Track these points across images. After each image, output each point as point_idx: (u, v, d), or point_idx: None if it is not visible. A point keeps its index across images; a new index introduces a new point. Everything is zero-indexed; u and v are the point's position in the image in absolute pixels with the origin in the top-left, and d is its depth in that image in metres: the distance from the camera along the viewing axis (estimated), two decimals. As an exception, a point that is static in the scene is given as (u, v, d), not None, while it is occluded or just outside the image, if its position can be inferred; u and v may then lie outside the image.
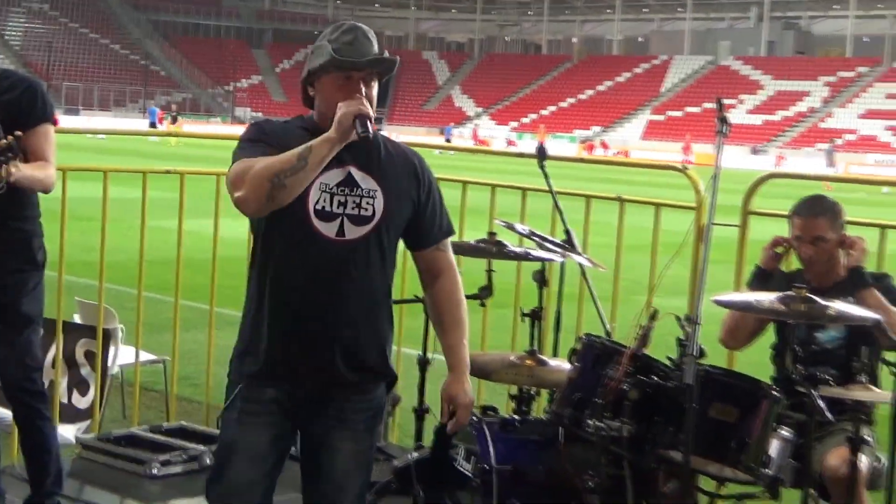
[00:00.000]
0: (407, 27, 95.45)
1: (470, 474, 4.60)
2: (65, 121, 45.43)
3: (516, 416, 4.86)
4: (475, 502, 4.49)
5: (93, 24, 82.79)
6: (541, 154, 5.64)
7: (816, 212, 4.73)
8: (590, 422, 4.26)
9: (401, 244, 3.54)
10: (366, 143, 3.27)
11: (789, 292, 4.12)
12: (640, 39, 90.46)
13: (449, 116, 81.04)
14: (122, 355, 6.66)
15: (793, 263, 4.96)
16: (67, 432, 6.44)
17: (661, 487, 4.53)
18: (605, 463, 4.37)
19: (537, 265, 5.01)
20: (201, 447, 6.12)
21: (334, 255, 3.31)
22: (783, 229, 4.85)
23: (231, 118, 74.56)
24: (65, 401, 6.60)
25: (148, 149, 37.34)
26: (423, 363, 5.24)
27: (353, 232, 3.32)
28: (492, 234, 5.02)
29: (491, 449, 4.48)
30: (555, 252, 4.97)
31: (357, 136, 3.21)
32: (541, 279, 5.01)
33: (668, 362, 4.27)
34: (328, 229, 3.30)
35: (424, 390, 5.38)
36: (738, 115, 67.29)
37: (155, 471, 5.90)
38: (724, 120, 4.22)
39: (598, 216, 6.03)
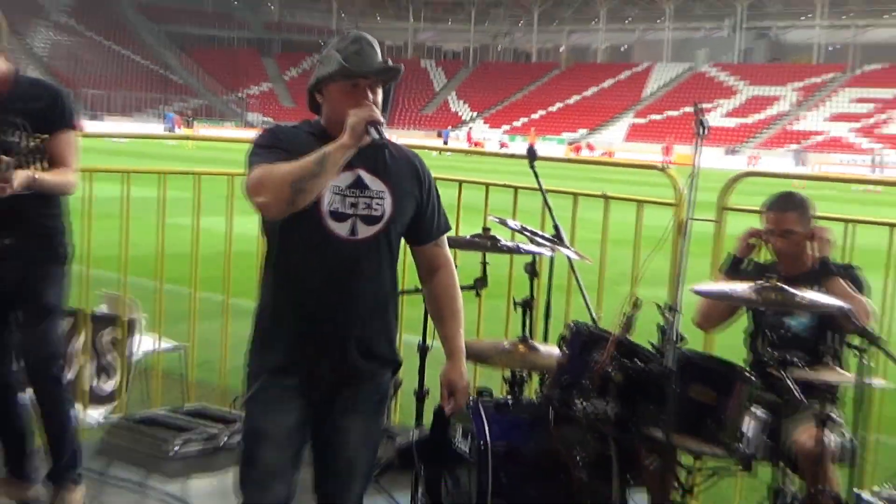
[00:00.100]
0: (406, 37, 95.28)
1: (467, 452, 4.61)
2: (89, 126, 45.36)
3: (509, 398, 4.87)
4: (472, 478, 4.50)
5: (114, 36, 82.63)
6: (531, 155, 5.65)
7: (787, 207, 4.75)
8: (578, 403, 4.28)
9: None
10: (383, 148, 3.30)
11: (762, 282, 4.14)
12: (623, 48, 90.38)
13: (446, 120, 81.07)
14: (144, 343, 6.67)
15: (766, 255, 4.97)
16: (94, 414, 6.46)
17: (643, 463, 4.54)
18: (592, 441, 4.39)
19: (528, 258, 5.02)
20: (218, 427, 6.14)
21: (348, 254, 3.32)
22: (756, 224, 4.86)
23: (243, 123, 74.44)
24: (92, 385, 6.62)
25: (166, 151, 37.25)
26: (423, 350, 5.25)
27: (364, 231, 3.33)
28: (486, 229, 5.03)
29: (486, 428, 4.50)
30: (544, 246, 4.98)
31: (374, 142, 3.22)
32: (532, 271, 5.02)
33: (650, 347, 4.29)
34: (341, 229, 3.30)
35: (424, 375, 5.40)
36: (715, 118, 67.28)
37: (175, 449, 5.91)
38: (701, 123, 4.23)
39: (585, 213, 6.04)
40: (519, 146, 58.04)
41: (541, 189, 5.46)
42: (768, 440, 4.19)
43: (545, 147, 59.75)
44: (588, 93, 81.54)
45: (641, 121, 75.43)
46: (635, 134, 73.19)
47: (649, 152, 59.41)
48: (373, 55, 3.32)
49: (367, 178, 3.33)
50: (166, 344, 6.86)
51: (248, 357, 3.48)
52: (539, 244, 4.99)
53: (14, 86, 4.73)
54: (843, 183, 36.50)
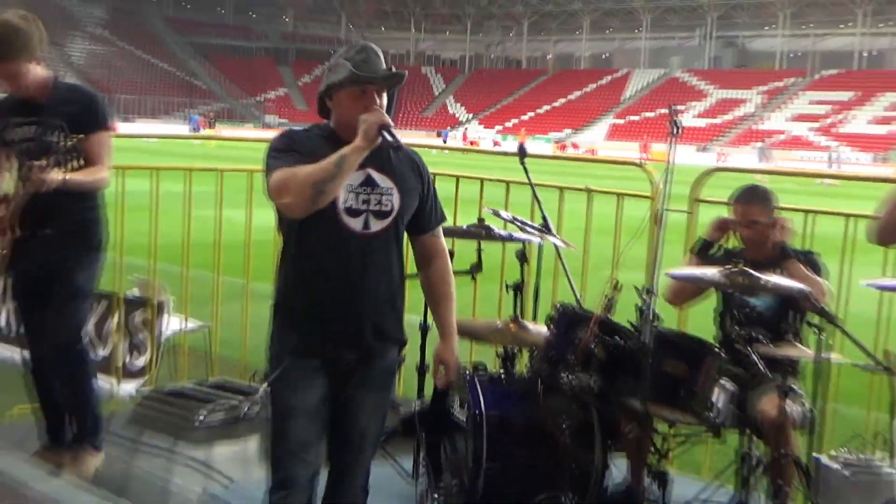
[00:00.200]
0: (408, 46, 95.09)
1: (463, 421, 4.61)
2: (121, 127, 45.32)
3: (502, 372, 4.87)
4: (468, 444, 4.50)
5: (144, 46, 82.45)
6: (521, 153, 5.64)
7: (752, 200, 4.74)
8: (564, 376, 4.28)
9: None
10: (393, 149, 3.29)
11: (730, 267, 4.14)
12: (604, 56, 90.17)
13: (444, 121, 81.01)
14: (172, 323, 6.68)
15: (734, 242, 4.97)
16: (127, 387, 6.47)
17: (623, 430, 4.55)
18: (576, 410, 4.39)
19: (519, 246, 5.01)
20: (239, 399, 6.14)
21: (362, 247, 3.32)
22: (725, 214, 4.86)
23: (261, 124, 74.33)
24: (125, 361, 6.63)
25: (191, 150, 37.20)
26: (424, 329, 5.24)
27: (376, 225, 3.34)
28: (481, 220, 5.02)
29: (481, 399, 4.50)
30: (534, 235, 4.98)
31: (389, 145, 3.24)
32: (522, 257, 5.01)
33: (629, 326, 4.29)
34: (356, 224, 3.30)
35: (425, 351, 5.39)
36: (687, 119, 67.12)
37: (201, 419, 5.91)
38: (675, 123, 4.23)
39: (570, 205, 6.03)
40: (510, 145, 57.95)
41: (530, 183, 5.45)
42: (736, 409, 4.20)
43: (534, 145, 59.66)
44: (572, 96, 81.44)
45: (620, 121, 75.36)
46: (615, 133, 73.13)
47: (628, 150, 59.30)
48: (378, 63, 3.31)
49: (376, 176, 3.33)
50: (192, 324, 6.86)
51: (270, 342, 3.47)
52: (529, 233, 4.98)
53: (53, 91, 4.74)
54: (803, 177, 36.45)
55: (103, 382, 6.49)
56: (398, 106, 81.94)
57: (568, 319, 4.46)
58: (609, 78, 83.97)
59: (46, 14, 70.92)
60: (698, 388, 4.10)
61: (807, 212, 5.43)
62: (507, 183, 6.33)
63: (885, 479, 4.26)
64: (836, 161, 57.28)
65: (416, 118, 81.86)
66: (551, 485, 4.32)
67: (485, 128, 78.89)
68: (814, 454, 4.26)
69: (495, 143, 66.88)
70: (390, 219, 3.37)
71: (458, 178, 6.55)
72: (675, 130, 4.25)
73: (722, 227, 4.85)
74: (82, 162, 4.60)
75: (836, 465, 4.40)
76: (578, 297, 5.19)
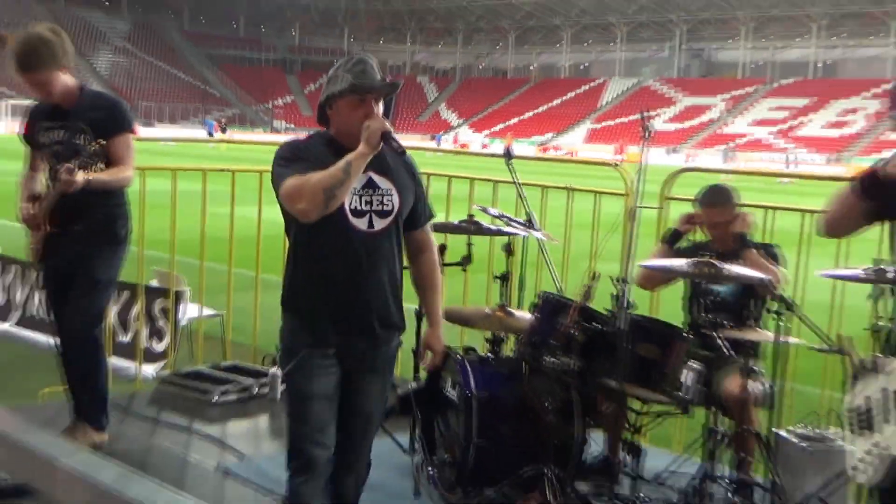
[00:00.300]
0: (404, 58, 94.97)
1: (455, 400, 4.61)
2: (142, 132, 45.12)
3: (490, 355, 4.87)
4: (460, 421, 4.50)
5: (163, 57, 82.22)
6: (507, 155, 5.63)
7: (715, 202, 4.74)
8: (547, 358, 4.28)
9: None
10: (402, 156, 3.30)
11: (698, 258, 4.14)
12: (582, 66, 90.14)
13: (437, 126, 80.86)
14: (190, 311, 6.68)
15: (701, 235, 4.97)
16: (149, 369, 6.46)
17: (601, 407, 4.55)
18: (558, 390, 4.39)
19: (505, 239, 5.01)
20: (251, 380, 6.14)
21: (368, 244, 3.30)
22: (692, 209, 4.87)
23: (270, 129, 74.23)
24: (147, 346, 6.62)
25: (206, 152, 37.16)
26: (419, 315, 5.23)
27: (379, 224, 3.32)
28: (471, 216, 5.01)
29: (471, 380, 4.50)
30: (519, 229, 4.98)
31: (395, 152, 3.24)
32: (508, 250, 5.01)
33: (606, 313, 4.29)
34: (361, 224, 3.28)
35: (420, 336, 5.39)
36: (658, 123, 67.12)
37: (216, 398, 5.91)
38: (647, 127, 4.23)
39: (552, 202, 6.03)
40: (498, 147, 57.89)
41: (516, 183, 5.44)
42: (703, 388, 4.20)
43: (519, 148, 59.59)
44: (554, 103, 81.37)
45: (598, 126, 75.32)
46: (593, 137, 73.11)
47: (605, 152, 59.35)
48: (375, 73, 3.29)
49: (376, 178, 3.31)
50: (207, 311, 6.86)
51: (283, 336, 3.45)
52: (514, 228, 4.98)
53: (80, 97, 4.73)
54: (764, 176, 36.52)
55: (126, 364, 6.51)
56: (396, 112, 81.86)
57: (550, 307, 4.46)
58: (587, 86, 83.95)
59: (74, 28, 70.94)
60: (669, 370, 4.11)
61: (767, 208, 5.44)
62: (495, 182, 6.33)
63: (837, 452, 4.27)
64: (793, 162, 57.34)
65: (412, 123, 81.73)
66: (535, 458, 4.32)
67: (474, 132, 78.86)
68: (773, 429, 4.27)
69: (484, 146, 66.88)
70: (391, 217, 3.35)
71: (450, 178, 6.55)
72: (647, 134, 4.25)
73: (690, 220, 4.86)
74: (103, 166, 4.61)
75: (793, 439, 4.42)
76: (560, 286, 5.19)
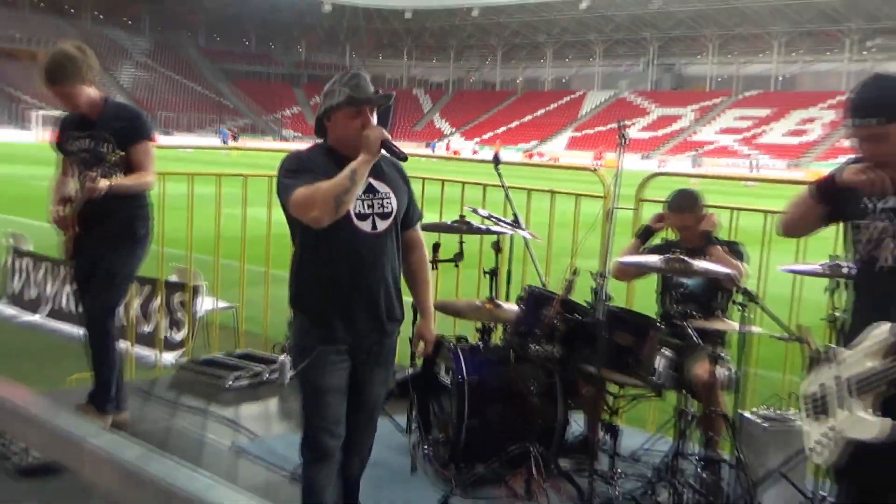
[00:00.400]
0: (401, 72, 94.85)
1: (448, 384, 4.61)
2: (161, 140, 45.08)
3: (480, 343, 4.87)
4: (452, 403, 4.50)
5: (181, 72, 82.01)
6: (496, 160, 5.64)
7: (683, 207, 4.74)
8: (532, 346, 4.28)
9: None
10: (404, 161, 3.32)
11: (669, 255, 4.14)
12: (564, 80, 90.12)
13: (432, 134, 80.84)
14: (206, 303, 6.68)
15: (671, 234, 4.98)
16: (168, 357, 6.46)
17: (581, 391, 4.56)
18: (542, 375, 4.40)
19: (494, 238, 5.01)
20: (262, 367, 6.13)
21: (372, 245, 3.28)
22: (664, 210, 4.87)
23: (279, 137, 74.12)
24: (166, 335, 6.61)
25: (220, 159, 37.07)
26: (415, 308, 5.24)
27: (381, 225, 3.30)
28: (462, 216, 5.01)
29: (463, 366, 4.50)
30: (506, 228, 4.97)
31: (398, 158, 3.26)
32: (497, 247, 5.01)
33: (586, 304, 4.30)
34: (365, 226, 3.26)
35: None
36: (633, 132, 67.09)
37: (229, 383, 5.90)
38: (623, 135, 4.23)
39: (536, 203, 6.03)
40: (487, 153, 57.94)
41: (503, 186, 5.44)
42: (674, 373, 4.21)
43: (506, 154, 59.57)
44: (538, 113, 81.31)
45: (578, 134, 75.28)
46: (574, 144, 73.09)
47: (584, 158, 59.37)
48: (369, 86, 3.28)
49: (375, 183, 3.30)
50: (222, 304, 6.87)
51: (295, 335, 3.39)
52: (502, 227, 4.98)
53: (104, 109, 4.73)
54: (729, 180, 36.58)
55: (148, 353, 6.50)
56: (393, 121, 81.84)
57: (535, 299, 4.46)
58: (568, 98, 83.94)
59: (100, 45, 70.76)
60: (643, 356, 4.11)
61: (732, 209, 5.44)
62: (484, 186, 6.32)
63: (796, 431, 4.27)
64: (756, 167, 57.46)
65: (408, 132, 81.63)
66: (521, 437, 4.32)
67: (465, 140, 78.75)
68: (738, 410, 4.27)
69: (474, 153, 66.76)
70: (391, 218, 3.34)
71: (443, 181, 6.55)
72: (623, 142, 4.26)
73: (661, 219, 4.86)
74: (123, 174, 4.62)
75: (756, 420, 4.42)
76: (543, 280, 5.19)
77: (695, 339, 4.27)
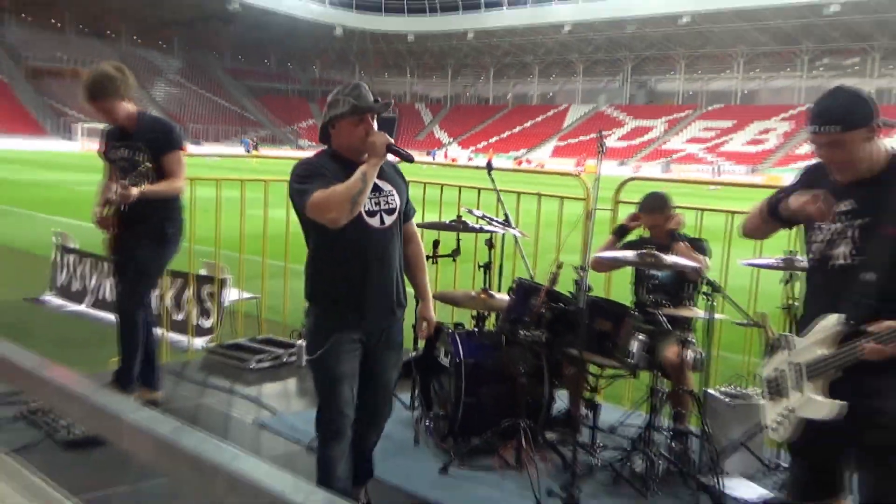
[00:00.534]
0: (405, 88, 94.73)
1: (448, 366, 4.61)
2: (191, 149, 45.12)
3: (476, 329, 4.87)
4: (451, 383, 4.51)
5: (209, 88, 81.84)
6: (489, 167, 5.63)
7: (654, 208, 4.74)
8: (521, 332, 4.28)
9: None
10: (411, 162, 3.31)
11: (642, 250, 4.14)
12: (549, 95, 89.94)
13: (432, 144, 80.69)
14: (231, 294, 6.67)
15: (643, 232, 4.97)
16: (198, 342, 6.45)
17: (565, 372, 4.57)
18: (530, 357, 4.40)
19: (487, 235, 5.01)
20: (281, 350, 6.13)
21: (381, 238, 3.25)
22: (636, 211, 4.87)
23: (296, 146, 73.99)
24: (197, 322, 6.61)
25: (243, 166, 37.04)
26: (416, 294, 5.25)
27: (388, 220, 3.27)
28: (459, 217, 5.01)
29: (460, 349, 4.50)
30: (498, 227, 4.97)
31: (404, 160, 3.25)
32: (490, 244, 5.01)
33: (569, 294, 4.29)
34: (375, 222, 3.23)
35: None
36: (611, 141, 67.06)
37: (252, 365, 5.90)
38: (602, 144, 4.22)
39: (525, 205, 6.02)
40: (481, 161, 57.79)
41: (495, 189, 5.44)
42: (647, 355, 4.21)
43: (498, 161, 59.46)
44: (526, 125, 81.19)
45: (562, 143, 75.16)
46: (558, 152, 72.99)
47: (567, 164, 59.28)
48: (370, 96, 3.25)
49: (380, 183, 3.27)
50: (246, 295, 6.85)
51: (311, 325, 3.33)
52: (494, 226, 4.97)
53: (140, 122, 4.73)
54: (695, 184, 36.55)
55: (180, 338, 6.50)
56: (398, 132, 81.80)
57: (524, 290, 4.46)
58: (553, 111, 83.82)
59: (136, 65, 70.66)
60: (620, 341, 4.11)
61: (698, 209, 5.44)
62: (479, 189, 6.32)
63: (755, 407, 4.29)
64: (719, 172, 57.47)
65: (411, 141, 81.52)
66: (512, 412, 4.33)
67: (462, 148, 78.67)
68: (704, 388, 4.28)
69: (469, 160, 66.71)
70: (396, 214, 3.32)
71: (442, 185, 6.54)
72: (601, 150, 4.25)
73: (635, 218, 4.86)
74: (153, 181, 4.63)
75: (720, 396, 4.44)
76: (531, 273, 5.19)
77: (665, 325, 4.28)
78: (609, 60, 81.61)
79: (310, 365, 3.32)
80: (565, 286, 4.31)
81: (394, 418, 4.75)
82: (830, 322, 2.67)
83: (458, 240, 5.07)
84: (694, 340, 4.45)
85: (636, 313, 4.24)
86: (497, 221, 5.07)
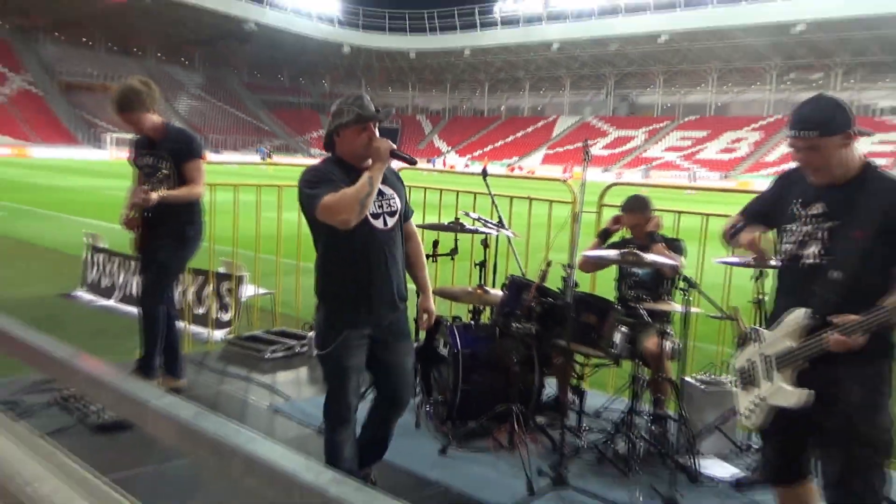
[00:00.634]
0: (407, 101, 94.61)
1: (446, 355, 4.61)
2: (211, 157, 45.04)
3: (472, 322, 4.87)
4: (450, 372, 4.50)
5: (228, 101, 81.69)
6: (484, 173, 5.63)
7: (634, 208, 4.75)
8: (514, 324, 4.28)
9: None
10: (414, 164, 3.32)
11: (624, 250, 4.14)
12: (539, 107, 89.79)
13: (432, 152, 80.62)
14: (248, 290, 6.66)
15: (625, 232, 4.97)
16: (218, 334, 6.45)
17: (554, 361, 4.56)
18: (522, 348, 4.40)
19: (483, 236, 5.01)
20: (294, 342, 6.12)
21: (385, 239, 3.23)
22: (619, 213, 4.87)
23: (308, 154, 73.87)
24: (216, 316, 6.60)
25: (259, 172, 37.00)
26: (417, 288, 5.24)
27: (390, 222, 3.26)
28: (457, 219, 5.01)
29: (458, 341, 4.50)
30: (492, 229, 4.97)
31: (408, 163, 3.26)
32: (485, 244, 5.01)
33: (557, 290, 4.29)
34: (379, 223, 3.21)
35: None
36: (595, 150, 66.91)
37: (267, 355, 5.90)
38: (588, 153, 4.22)
39: (517, 208, 6.02)
40: (477, 168, 57.90)
41: (490, 194, 5.43)
42: (629, 346, 4.21)
43: (493, 168, 59.57)
44: (518, 135, 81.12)
45: (551, 152, 75.05)
46: (547, 160, 72.86)
47: (556, 171, 59.34)
48: (372, 105, 3.23)
49: (382, 187, 3.25)
50: (261, 290, 6.84)
51: (321, 321, 3.28)
52: (489, 228, 4.97)
53: (165, 132, 4.73)
54: (673, 189, 36.52)
55: (201, 330, 6.49)
56: (401, 141, 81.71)
57: (516, 286, 4.46)
58: (543, 122, 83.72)
59: (161, 80, 70.55)
60: (604, 332, 4.11)
61: (676, 212, 5.44)
62: (475, 194, 6.31)
63: (728, 393, 4.30)
64: (694, 178, 57.47)
65: (413, 150, 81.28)
66: (505, 398, 4.33)
67: (459, 156, 78.58)
68: (681, 376, 4.28)
69: (466, 167, 66.76)
70: (397, 216, 3.30)
71: (441, 190, 6.53)
72: (587, 158, 4.24)
73: (617, 221, 4.86)
74: (168, 187, 4.63)
75: (696, 383, 4.44)
76: (523, 270, 5.19)
77: (646, 318, 4.28)
78: (594, 76, 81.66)
79: (320, 358, 3.30)
80: (554, 283, 4.31)
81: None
82: (798, 316, 2.67)
83: (456, 240, 5.07)
84: (672, 332, 4.45)
85: (619, 307, 4.24)
86: (491, 223, 5.06)
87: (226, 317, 6.61)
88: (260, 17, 71.01)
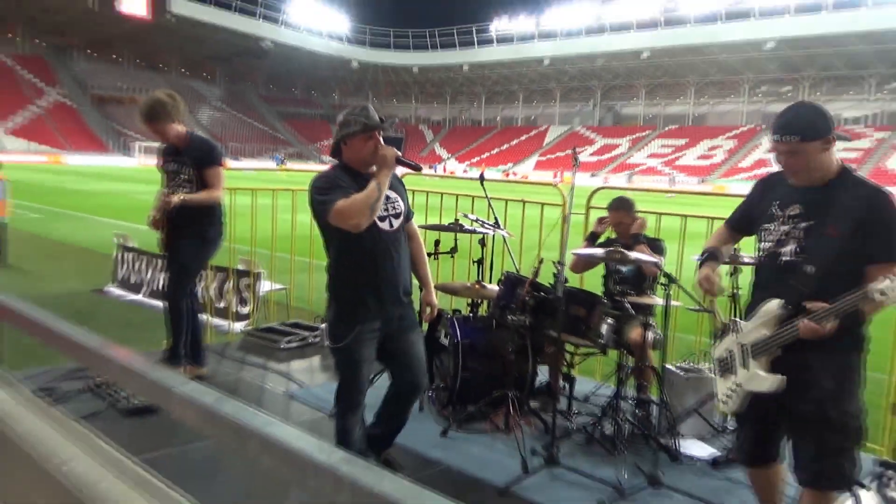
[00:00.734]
0: (410, 112, 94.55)
1: (447, 345, 4.61)
2: (231, 164, 45.05)
3: (471, 314, 4.86)
4: (450, 360, 4.50)
5: (247, 113, 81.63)
6: (481, 178, 5.62)
7: (619, 207, 4.74)
8: (509, 317, 4.28)
9: None
10: (419, 170, 3.31)
11: (610, 248, 4.14)
12: (532, 118, 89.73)
13: (433, 159, 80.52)
14: (265, 286, 6.65)
15: (611, 233, 4.96)
16: (238, 326, 6.44)
17: (546, 350, 4.56)
18: (517, 338, 4.39)
19: (480, 236, 5.00)
20: (307, 333, 6.12)
21: (392, 240, 3.22)
22: (605, 215, 4.86)
23: (319, 161, 73.83)
24: (236, 310, 6.59)
25: (275, 177, 36.96)
26: (420, 284, 5.24)
27: (396, 224, 3.25)
28: (456, 220, 5.00)
29: (458, 331, 4.49)
30: (489, 229, 4.97)
31: (413, 169, 3.26)
32: (482, 243, 5.00)
33: (549, 285, 4.29)
34: (386, 226, 3.20)
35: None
36: (583, 157, 66.88)
37: (283, 345, 5.89)
38: (576, 159, 4.22)
39: (512, 210, 6.01)
40: (474, 173, 57.74)
41: (487, 197, 5.43)
42: (615, 336, 4.21)
43: (489, 174, 59.23)
44: (513, 143, 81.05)
45: (543, 158, 74.96)
46: (539, 166, 72.83)
47: (547, 176, 59.27)
48: (376, 115, 3.22)
49: (388, 191, 3.22)
50: (277, 286, 6.84)
51: (333, 317, 3.24)
52: (486, 228, 4.97)
53: (188, 141, 4.73)
54: (655, 192, 36.53)
55: (222, 323, 6.49)
56: (405, 149, 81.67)
57: (511, 281, 4.46)
58: (535, 131, 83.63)
59: (185, 93, 70.53)
60: (592, 324, 4.11)
61: (657, 214, 5.43)
62: (473, 197, 6.32)
63: (707, 379, 4.29)
64: (674, 182, 57.43)
65: (416, 157, 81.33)
66: (501, 384, 4.32)
67: (459, 163, 78.48)
68: (663, 363, 4.28)
69: (465, 172, 66.70)
70: (402, 218, 3.30)
71: (442, 194, 6.53)
72: (576, 164, 4.24)
73: (602, 222, 4.86)
74: (188, 190, 4.63)
75: (677, 371, 4.43)
76: (517, 267, 5.18)
77: (630, 310, 4.27)
78: (582, 88, 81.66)
79: (333, 351, 3.27)
80: (546, 278, 4.31)
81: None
82: (772, 306, 2.66)
83: (456, 239, 5.06)
84: (654, 323, 4.45)
85: (606, 301, 4.24)
86: (488, 224, 5.06)
87: (244, 310, 6.61)
88: (276, 35, 71.09)
